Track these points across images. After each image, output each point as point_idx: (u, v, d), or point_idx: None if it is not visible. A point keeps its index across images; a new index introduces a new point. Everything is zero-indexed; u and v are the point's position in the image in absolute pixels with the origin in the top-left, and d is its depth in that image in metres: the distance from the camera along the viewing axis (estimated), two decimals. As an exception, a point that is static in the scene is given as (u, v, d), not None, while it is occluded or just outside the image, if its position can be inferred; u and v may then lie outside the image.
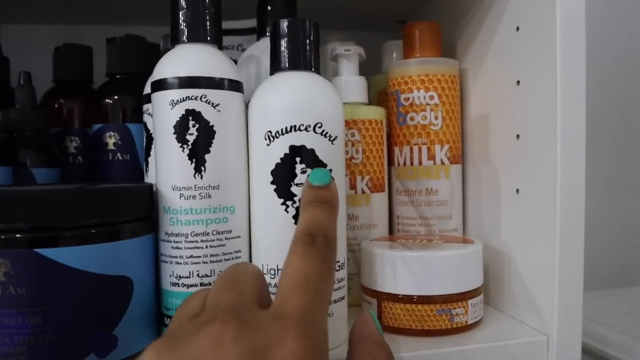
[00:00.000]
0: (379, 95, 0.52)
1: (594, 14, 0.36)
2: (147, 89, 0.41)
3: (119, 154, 0.44)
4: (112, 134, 0.44)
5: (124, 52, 0.46)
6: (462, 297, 0.37)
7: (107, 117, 0.45)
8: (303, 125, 0.32)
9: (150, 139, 0.40)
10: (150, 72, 0.43)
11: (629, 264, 0.79)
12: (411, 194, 0.45)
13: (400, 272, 0.37)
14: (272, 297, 0.33)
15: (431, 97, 0.44)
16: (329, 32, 0.55)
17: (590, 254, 0.35)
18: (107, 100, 0.46)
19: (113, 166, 0.44)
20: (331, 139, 0.33)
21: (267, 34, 0.42)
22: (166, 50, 0.42)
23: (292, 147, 0.32)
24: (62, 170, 0.46)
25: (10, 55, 0.52)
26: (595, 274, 0.36)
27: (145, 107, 0.41)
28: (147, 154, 0.40)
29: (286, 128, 0.32)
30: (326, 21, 0.56)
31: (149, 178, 0.40)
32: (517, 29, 0.39)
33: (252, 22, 0.48)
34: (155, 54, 0.48)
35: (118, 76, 0.47)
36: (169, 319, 0.33)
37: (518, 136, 0.39)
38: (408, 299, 0.36)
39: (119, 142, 0.44)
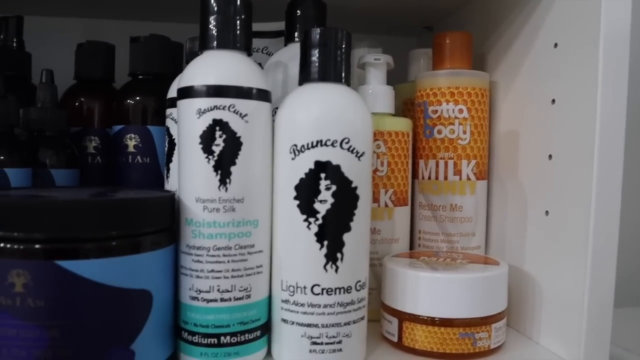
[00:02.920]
0: (404, 105, 0.51)
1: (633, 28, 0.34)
2: (171, 93, 0.40)
3: (139, 157, 0.44)
4: (132, 135, 0.44)
5: (147, 53, 0.45)
6: (486, 322, 0.35)
7: (128, 118, 0.44)
8: (329, 140, 0.31)
9: (172, 144, 0.39)
10: (174, 74, 0.43)
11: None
12: (435, 209, 0.44)
13: (423, 292, 0.36)
14: (290, 314, 0.32)
15: (460, 111, 0.42)
16: (354, 36, 0.54)
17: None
18: (128, 101, 0.45)
19: (132, 169, 0.44)
20: (358, 155, 0.32)
21: (296, 39, 0.41)
22: (192, 52, 0.42)
23: (317, 163, 0.32)
24: (80, 171, 0.45)
25: (32, 48, 0.51)
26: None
27: (168, 111, 0.40)
28: (169, 160, 0.40)
29: (312, 143, 0.31)
30: (351, 25, 0.55)
31: (170, 185, 0.40)
32: (555, 45, 0.37)
33: (279, 25, 0.47)
34: (179, 53, 0.48)
35: (141, 77, 0.46)
36: (186, 333, 0.32)
37: (550, 156, 0.38)
38: (430, 321, 0.35)
39: (140, 145, 0.44)
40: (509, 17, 0.43)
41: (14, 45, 0.50)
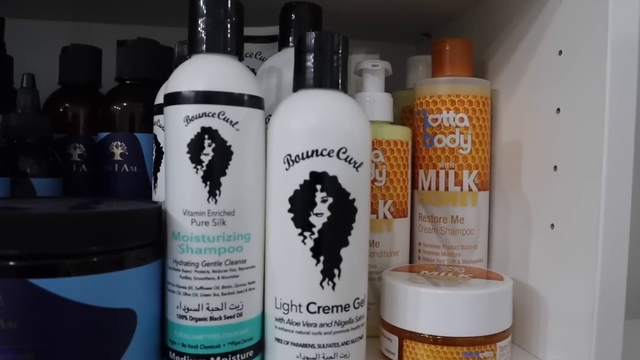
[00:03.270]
0: (403, 113, 0.49)
1: None
2: (159, 99, 0.38)
3: (125, 166, 0.42)
4: (119, 143, 0.42)
5: (135, 57, 0.44)
6: (491, 340, 0.34)
7: (114, 125, 0.43)
8: (326, 150, 0.30)
9: (160, 152, 0.37)
10: (162, 79, 0.41)
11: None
12: (435, 220, 0.42)
13: (425, 309, 0.34)
14: (285, 333, 0.30)
15: (461, 119, 0.41)
16: (351, 42, 0.52)
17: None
18: (115, 107, 0.43)
19: (119, 178, 0.42)
20: (356, 165, 0.31)
21: (290, 44, 0.39)
22: (181, 57, 0.40)
23: (312, 174, 0.30)
24: (64, 180, 0.43)
25: (14, 52, 0.49)
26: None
27: (156, 118, 0.38)
28: (157, 169, 0.38)
29: (307, 152, 0.30)
30: (348, 31, 0.54)
31: (157, 195, 0.38)
32: (560, 52, 0.36)
33: (272, 30, 0.46)
34: (168, 58, 0.46)
35: (128, 82, 0.44)
36: (174, 354, 0.30)
37: (556, 167, 0.36)
38: (432, 339, 0.33)
39: (126, 153, 0.42)
40: (511, 22, 0.42)
41: (-5, 48, 0.48)
